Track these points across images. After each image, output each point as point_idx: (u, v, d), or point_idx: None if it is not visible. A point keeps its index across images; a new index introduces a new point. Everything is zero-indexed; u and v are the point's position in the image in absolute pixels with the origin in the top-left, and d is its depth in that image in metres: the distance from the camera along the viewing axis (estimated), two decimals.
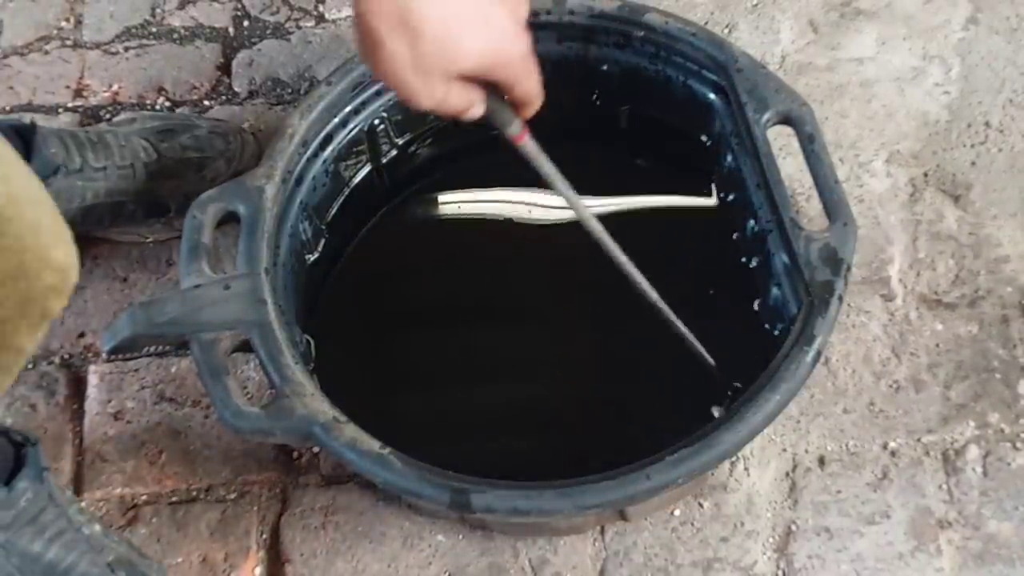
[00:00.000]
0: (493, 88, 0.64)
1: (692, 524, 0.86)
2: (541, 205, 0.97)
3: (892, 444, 0.89)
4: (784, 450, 0.89)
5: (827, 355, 0.92)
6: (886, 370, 0.92)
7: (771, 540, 0.85)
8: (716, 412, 0.82)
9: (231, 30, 1.15)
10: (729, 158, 0.88)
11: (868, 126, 1.03)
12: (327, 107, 0.87)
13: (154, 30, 1.15)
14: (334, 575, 0.86)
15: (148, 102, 1.10)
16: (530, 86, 0.65)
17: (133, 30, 1.16)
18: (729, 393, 0.82)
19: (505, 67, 0.62)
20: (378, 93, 0.91)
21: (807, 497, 0.87)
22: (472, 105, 0.63)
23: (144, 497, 0.90)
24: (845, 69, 1.07)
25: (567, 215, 0.96)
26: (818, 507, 0.86)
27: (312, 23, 1.15)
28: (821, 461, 0.88)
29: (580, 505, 0.69)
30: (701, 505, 0.87)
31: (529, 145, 0.70)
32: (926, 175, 1.01)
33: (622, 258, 0.78)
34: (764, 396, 0.71)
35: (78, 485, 0.90)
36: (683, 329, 0.81)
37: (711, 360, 0.82)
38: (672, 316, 0.80)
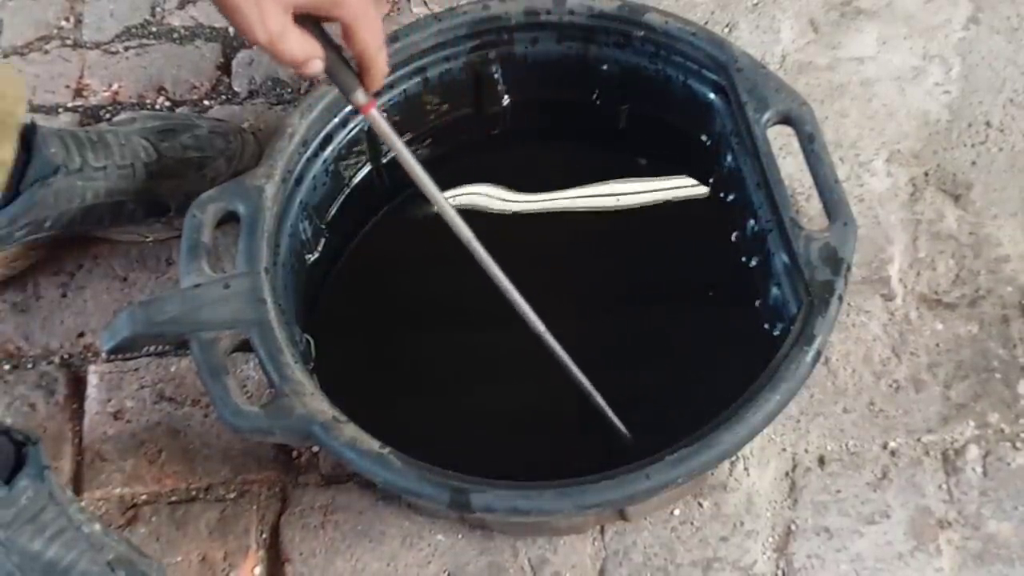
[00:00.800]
0: (336, 50, 0.64)
1: (692, 524, 0.86)
2: (541, 204, 0.97)
3: (892, 444, 0.89)
4: (784, 450, 0.89)
5: (827, 355, 0.92)
6: (886, 370, 0.92)
7: (771, 540, 0.85)
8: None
9: (231, 30, 1.15)
10: (729, 158, 0.88)
11: (868, 125, 1.03)
12: (327, 107, 0.87)
13: (154, 30, 1.15)
14: (334, 574, 0.86)
15: (148, 102, 1.10)
16: (369, 35, 0.64)
17: (133, 30, 1.16)
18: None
19: (342, 4, 0.61)
20: (378, 93, 0.91)
21: (807, 497, 0.87)
22: (310, 57, 0.62)
23: (144, 496, 0.90)
24: (845, 68, 1.07)
25: (566, 214, 0.96)
26: (818, 507, 0.86)
27: None
28: (821, 461, 0.88)
29: (580, 505, 0.69)
30: (701, 505, 0.87)
31: (376, 118, 0.69)
32: (926, 175, 1.01)
33: (504, 281, 0.77)
34: (764, 396, 0.71)
35: (78, 484, 0.90)
36: (593, 392, 0.79)
37: (624, 429, 0.80)
38: (578, 374, 0.79)
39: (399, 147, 0.71)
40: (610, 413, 0.80)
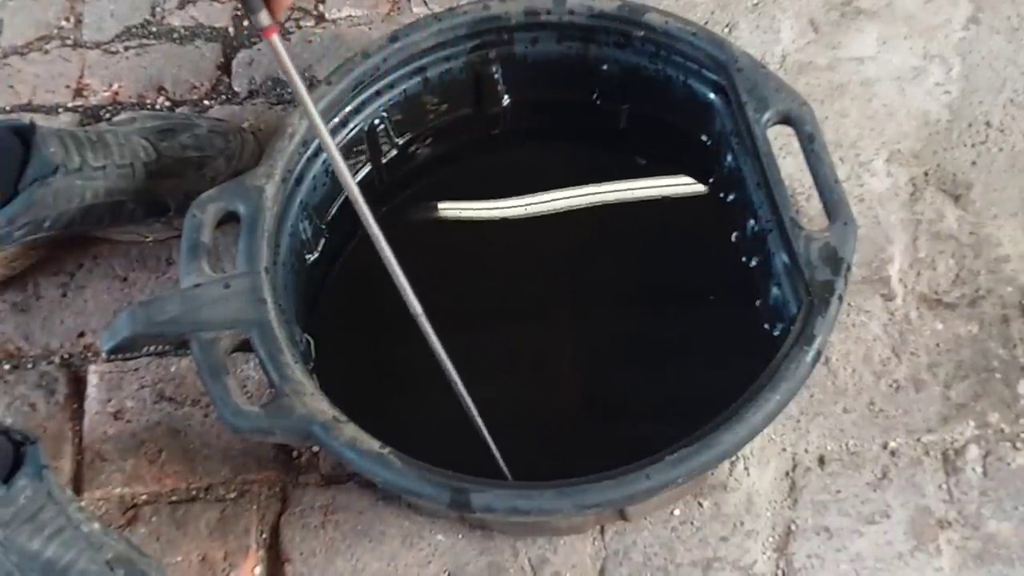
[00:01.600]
0: None
1: (692, 524, 0.86)
2: (541, 204, 0.97)
3: (892, 444, 0.89)
4: (784, 449, 0.89)
5: (827, 355, 0.92)
6: (886, 370, 0.92)
7: (771, 540, 0.85)
8: None
9: (231, 29, 1.15)
10: (729, 158, 0.88)
11: (868, 125, 1.03)
12: (327, 107, 0.87)
13: (154, 29, 1.15)
14: (334, 574, 0.86)
15: (148, 102, 1.10)
16: None
17: (133, 29, 1.16)
18: None
19: None
20: (378, 93, 0.91)
21: (807, 497, 0.87)
22: None
23: (144, 496, 0.90)
24: (845, 68, 1.07)
25: (566, 215, 0.96)
26: (818, 507, 0.86)
27: (312, 23, 1.15)
28: (821, 461, 0.88)
29: (580, 505, 0.69)
30: (701, 505, 0.87)
31: (276, 45, 0.68)
32: (926, 174, 1.01)
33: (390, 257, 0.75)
34: (764, 396, 0.71)
35: (78, 484, 0.90)
36: (478, 421, 0.79)
37: (505, 469, 0.79)
38: (468, 400, 0.78)
39: (298, 86, 0.70)
40: (494, 448, 0.79)
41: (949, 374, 0.91)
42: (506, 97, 0.97)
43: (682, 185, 0.96)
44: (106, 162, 0.92)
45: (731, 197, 0.90)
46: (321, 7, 1.16)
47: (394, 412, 0.87)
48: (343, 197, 0.94)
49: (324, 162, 0.89)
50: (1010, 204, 0.99)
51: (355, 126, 0.91)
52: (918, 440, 0.89)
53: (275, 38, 0.68)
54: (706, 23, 1.09)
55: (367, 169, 0.95)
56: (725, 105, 0.87)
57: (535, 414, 0.88)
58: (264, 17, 0.67)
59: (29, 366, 0.96)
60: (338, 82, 0.87)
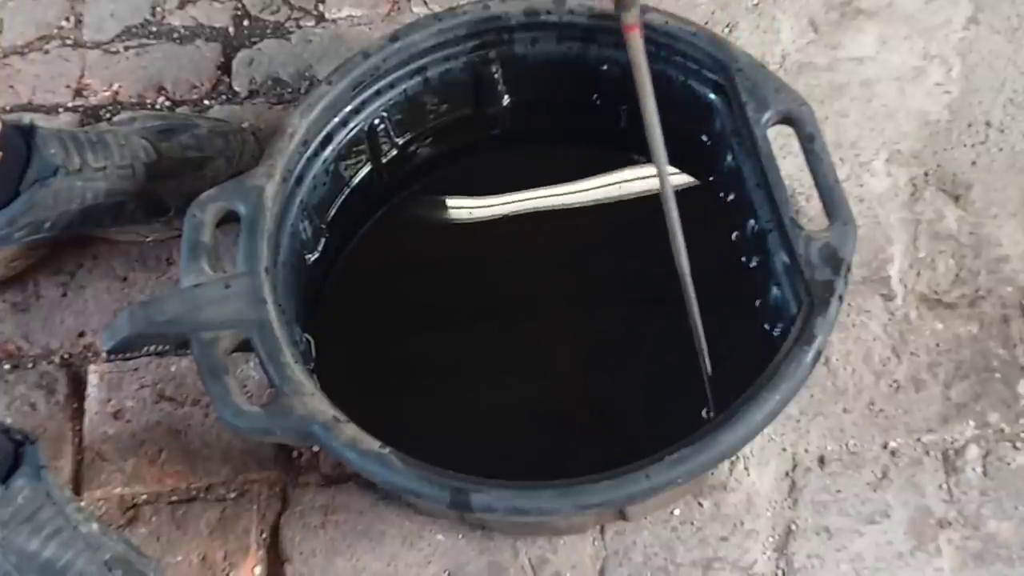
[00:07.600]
0: None
1: (692, 524, 0.86)
2: (540, 204, 0.97)
3: (892, 444, 0.89)
4: (784, 450, 0.89)
5: (827, 355, 0.92)
6: (886, 369, 0.92)
7: (771, 540, 0.85)
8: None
9: (231, 29, 1.15)
10: (729, 158, 0.88)
11: (868, 126, 1.03)
12: (327, 106, 0.87)
13: (154, 29, 1.15)
14: (334, 574, 0.86)
15: (148, 101, 1.10)
16: None
17: (133, 29, 1.16)
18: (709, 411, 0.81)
19: None
20: (378, 93, 0.91)
21: (807, 497, 0.87)
22: None
23: (144, 496, 0.90)
24: (845, 68, 1.07)
25: (567, 214, 0.96)
26: (818, 507, 0.86)
27: (312, 22, 1.15)
28: (821, 461, 0.88)
29: (580, 505, 0.69)
30: (701, 505, 0.87)
31: (639, 42, 0.70)
32: (926, 174, 1.01)
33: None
34: (764, 395, 0.71)
35: (78, 484, 0.90)
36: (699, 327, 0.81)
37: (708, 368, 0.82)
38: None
39: (646, 87, 0.73)
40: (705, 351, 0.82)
41: (949, 374, 0.91)
42: (506, 97, 0.97)
43: (682, 185, 0.96)
44: (106, 163, 0.92)
45: (731, 197, 0.90)
46: (321, 7, 1.16)
47: (394, 412, 0.87)
48: (343, 197, 0.94)
49: (324, 162, 0.89)
50: (1010, 204, 0.99)
51: (355, 126, 0.91)
52: (918, 440, 0.89)
53: (638, 34, 0.71)
54: (706, 23, 1.09)
55: (367, 169, 0.95)
56: (725, 105, 0.87)
57: (534, 413, 0.88)
58: (633, 15, 0.69)
59: (29, 366, 0.96)
60: (338, 82, 0.87)
